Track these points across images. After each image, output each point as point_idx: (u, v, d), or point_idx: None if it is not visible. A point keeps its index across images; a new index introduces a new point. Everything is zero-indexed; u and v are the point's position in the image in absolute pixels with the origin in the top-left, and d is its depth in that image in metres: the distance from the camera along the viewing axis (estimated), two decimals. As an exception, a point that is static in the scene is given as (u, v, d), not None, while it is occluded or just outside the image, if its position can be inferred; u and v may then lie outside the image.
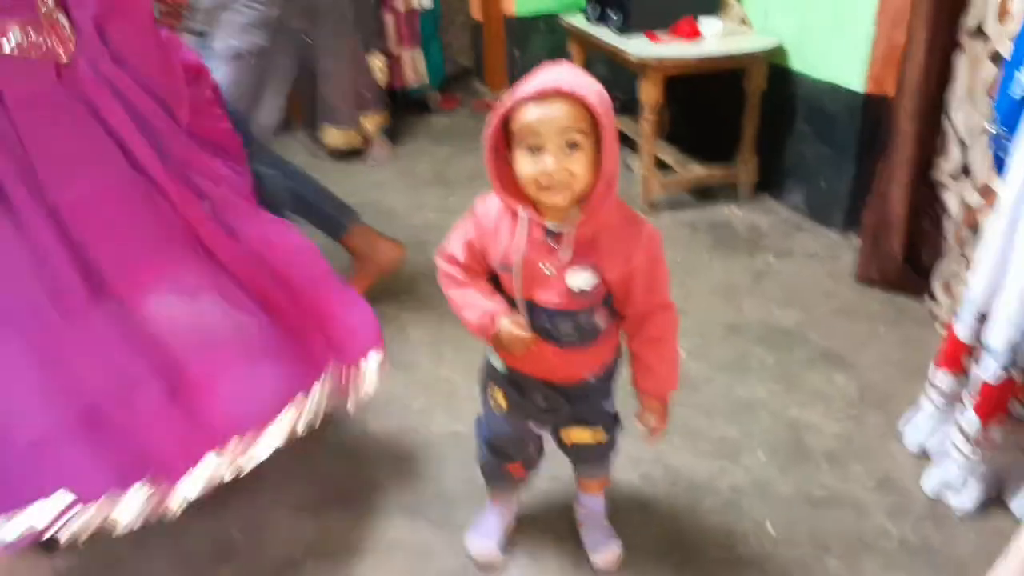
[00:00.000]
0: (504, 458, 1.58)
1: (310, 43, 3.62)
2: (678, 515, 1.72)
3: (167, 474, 1.45)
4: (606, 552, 1.62)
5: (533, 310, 1.30)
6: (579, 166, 1.16)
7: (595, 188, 1.19)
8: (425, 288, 2.71)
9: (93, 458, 1.39)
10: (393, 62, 4.18)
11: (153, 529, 1.75)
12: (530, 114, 1.14)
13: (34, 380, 1.40)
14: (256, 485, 1.88)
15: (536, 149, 1.16)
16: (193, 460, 1.48)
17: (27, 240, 1.42)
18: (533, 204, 1.24)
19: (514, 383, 1.45)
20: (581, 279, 1.25)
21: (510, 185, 1.23)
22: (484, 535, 1.67)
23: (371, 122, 3.84)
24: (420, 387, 2.19)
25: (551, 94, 1.13)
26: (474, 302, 1.34)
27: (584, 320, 1.30)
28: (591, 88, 1.15)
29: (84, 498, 1.35)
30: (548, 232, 1.24)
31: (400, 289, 2.70)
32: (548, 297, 1.28)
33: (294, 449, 1.77)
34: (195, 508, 1.78)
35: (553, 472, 1.77)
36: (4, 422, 1.37)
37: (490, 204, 1.30)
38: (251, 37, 2.66)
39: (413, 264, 2.86)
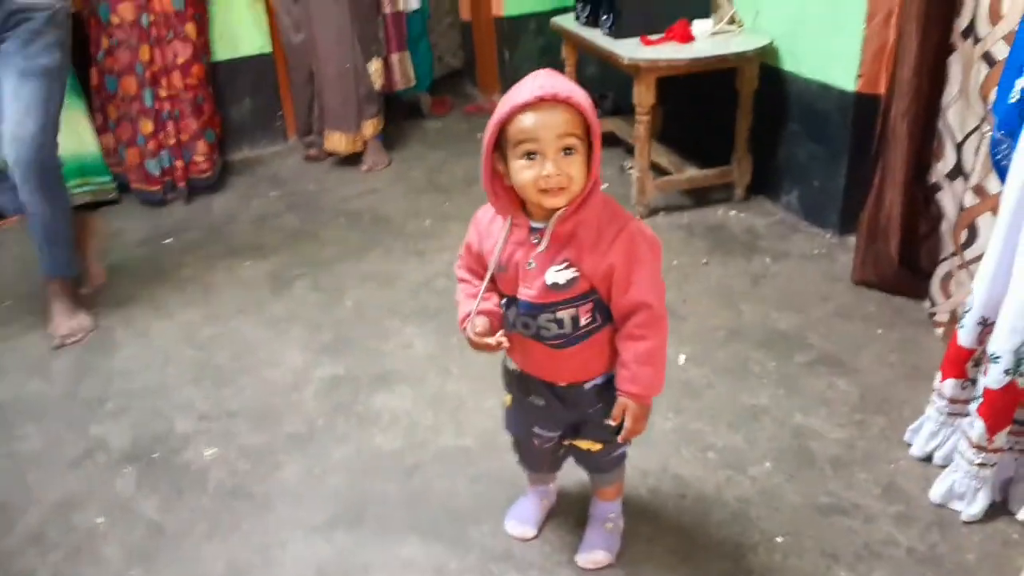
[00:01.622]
0: (529, 450, 1.65)
1: (311, 49, 3.63)
2: (687, 528, 1.74)
3: None
4: (590, 555, 1.67)
5: (518, 305, 1.37)
6: (576, 168, 1.24)
7: (584, 188, 1.26)
8: (428, 300, 2.71)
9: None
10: (383, 66, 4.17)
11: (165, 552, 1.77)
12: (527, 121, 1.21)
13: None
14: (267, 506, 1.89)
15: (534, 154, 1.22)
16: None
17: None
18: (521, 207, 1.31)
19: (519, 382, 1.52)
20: (556, 272, 1.31)
21: (500, 190, 1.30)
22: (521, 520, 1.76)
23: (369, 127, 3.83)
24: (427, 402, 2.20)
25: (548, 100, 1.20)
26: (461, 301, 1.44)
27: (564, 315, 1.34)
28: (581, 94, 1.23)
29: None
30: (532, 229, 1.32)
31: (403, 302, 2.71)
32: (528, 292, 1.34)
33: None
34: (205, 532, 1.82)
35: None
36: None
37: (488, 209, 1.39)
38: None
39: (415, 276, 2.87)
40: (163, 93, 3.48)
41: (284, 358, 2.45)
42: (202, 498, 1.93)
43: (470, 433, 2.07)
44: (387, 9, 4.00)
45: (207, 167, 3.66)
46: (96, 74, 3.47)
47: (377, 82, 3.82)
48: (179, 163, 3.56)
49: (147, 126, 3.48)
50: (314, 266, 2.99)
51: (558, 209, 1.28)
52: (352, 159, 3.89)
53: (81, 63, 3.37)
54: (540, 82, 1.22)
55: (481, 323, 1.37)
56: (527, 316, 1.37)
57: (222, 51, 3.87)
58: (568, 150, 1.23)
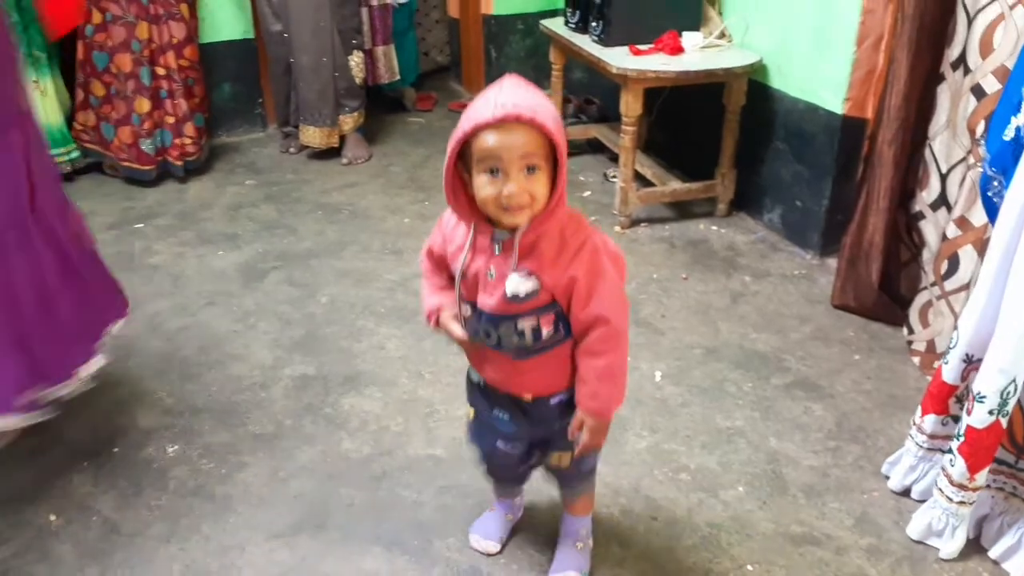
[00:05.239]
0: (494, 464, 1.62)
1: (289, 40, 3.56)
2: (657, 552, 1.72)
3: None
4: (561, 575, 1.64)
5: (478, 314, 1.35)
6: (539, 187, 1.22)
7: (547, 203, 1.23)
8: (403, 300, 2.67)
9: None
10: (367, 59, 4.11)
11: (120, 552, 1.71)
12: (490, 140, 1.18)
13: None
14: (228, 508, 1.84)
15: (496, 171, 1.20)
16: None
17: None
18: (485, 217, 1.28)
19: (483, 395, 1.50)
20: (516, 284, 1.29)
21: (463, 199, 1.28)
22: (485, 534, 1.73)
23: (348, 121, 3.77)
24: (398, 407, 2.16)
25: (511, 120, 1.16)
26: (428, 294, 1.44)
27: (524, 327, 1.32)
28: (547, 111, 1.19)
29: None
30: (494, 239, 1.29)
31: (379, 301, 2.66)
32: (488, 301, 1.32)
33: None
34: (163, 533, 1.76)
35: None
36: None
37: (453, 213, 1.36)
38: None
39: (392, 275, 2.83)
40: (160, 72, 3.41)
41: (253, 354, 2.39)
42: (162, 497, 1.87)
43: (440, 442, 2.03)
44: (373, 1, 3.95)
45: (194, 150, 3.59)
46: (83, 48, 3.37)
47: (358, 76, 3.76)
48: (177, 141, 3.51)
49: (143, 105, 3.41)
50: (289, 259, 2.93)
51: (520, 224, 1.26)
52: (332, 151, 3.82)
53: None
54: (503, 98, 1.17)
55: (449, 315, 1.39)
56: (488, 325, 1.34)
57: (205, 34, 3.79)
58: (531, 168, 1.20)
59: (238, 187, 3.55)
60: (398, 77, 4.24)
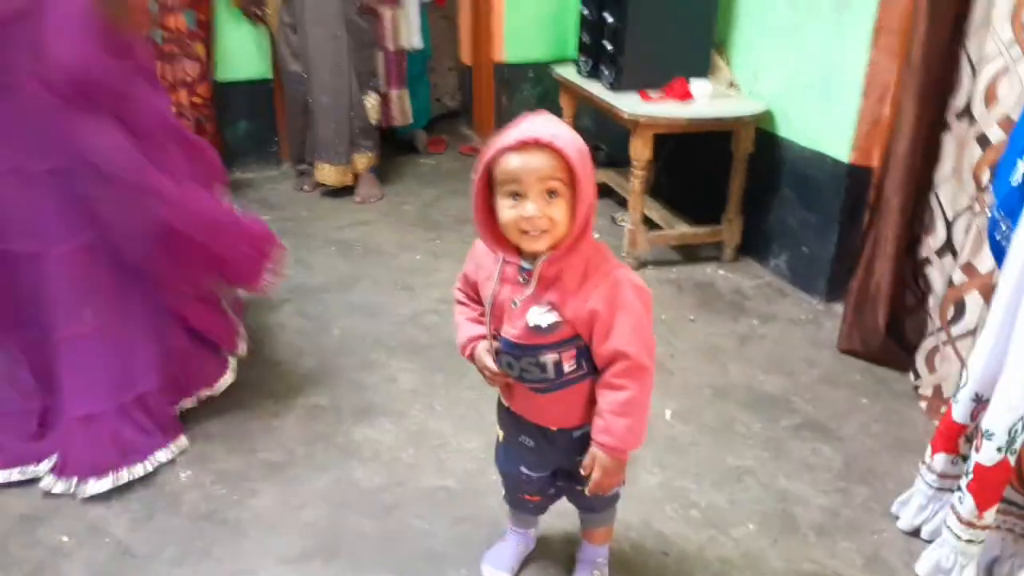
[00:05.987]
0: (516, 488, 1.63)
1: (307, 80, 3.64)
2: (669, 586, 1.72)
3: None
4: None
5: (502, 344, 1.36)
6: (559, 212, 1.24)
7: (568, 232, 1.26)
8: (414, 334, 2.69)
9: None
10: (382, 101, 4.20)
11: (132, 575, 1.71)
12: (512, 162, 1.22)
13: None
14: (240, 533, 1.84)
15: (517, 195, 1.23)
16: None
17: None
18: (516, 249, 1.31)
19: (510, 420, 1.51)
20: (538, 315, 1.31)
21: (493, 228, 1.31)
22: (497, 565, 1.73)
23: (362, 160, 3.84)
24: (409, 438, 2.17)
25: (531, 144, 1.21)
26: (463, 324, 1.46)
27: (547, 360, 1.33)
28: (569, 139, 1.23)
29: None
30: (521, 269, 1.32)
31: (390, 335, 2.69)
32: (511, 331, 1.34)
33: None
34: (175, 557, 1.76)
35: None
36: None
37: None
38: None
39: (403, 309, 2.86)
40: (172, 110, 3.47)
41: (266, 383, 2.41)
42: (174, 521, 1.88)
43: (452, 474, 2.04)
44: (389, 46, 4.04)
45: None
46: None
47: (374, 117, 3.84)
48: None
49: None
50: (301, 293, 2.96)
51: (546, 250, 1.28)
52: (346, 190, 3.89)
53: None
54: (528, 126, 1.23)
55: (484, 346, 1.40)
56: (510, 356, 1.36)
57: (223, 71, 3.88)
58: (552, 193, 1.23)
59: (252, 222, 3.60)
60: (411, 120, 4.32)
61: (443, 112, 5.18)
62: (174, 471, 2.03)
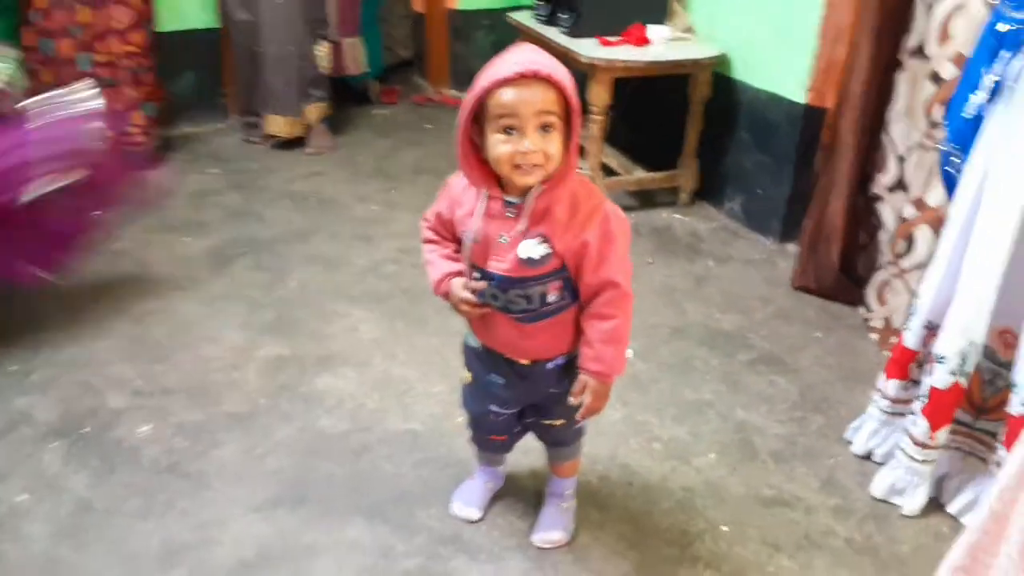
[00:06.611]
0: (483, 429, 1.64)
1: (255, 29, 3.54)
2: (635, 515, 1.76)
3: None
4: (547, 534, 1.68)
5: (487, 278, 1.36)
6: (554, 146, 1.23)
7: (561, 166, 1.25)
8: (375, 284, 2.68)
9: None
10: (334, 50, 4.10)
11: (95, 530, 1.69)
12: (508, 96, 1.20)
13: None
14: (205, 484, 1.83)
15: (512, 130, 1.21)
16: None
17: None
18: (497, 181, 1.30)
19: (480, 358, 1.51)
20: (530, 248, 1.31)
21: (475, 163, 1.29)
22: (467, 502, 1.75)
23: (314, 111, 3.76)
24: (374, 386, 2.17)
25: (530, 77, 1.19)
26: (436, 261, 1.44)
27: (533, 291, 1.34)
28: (564, 72, 1.22)
29: None
30: (507, 203, 1.31)
31: (349, 285, 2.66)
32: (499, 265, 1.34)
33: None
34: (139, 510, 1.74)
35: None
36: None
37: (462, 176, 1.37)
38: None
39: (362, 260, 2.83)
40: (100, 59, 3.35)
41: (224, 336, 2.38)
42: (136, 475, 1.86)
43: (417, 417, 2.05)
44: (342, -6, 3.95)
45: (142, 140, 3.52)
46: (30, 35, 3.30)
47: (324, 66, 3.75)
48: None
49: None
50: (256, 245, 2.91)
51: (532, 185, 1.28)
52: (297, 141, 3.81)
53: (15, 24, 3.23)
54: (523, 57, 1.21)
55: (459, 284, 1.38)
56: (497, 289, 1.36)
57: (166, 22, 3.74)
58: (546, 127, 1.22)
59: (201, 175, 3.51)
60: (365, 70, 4.23)
61: (396, 62, 5.08)
62: (133, 425, 2.00)
